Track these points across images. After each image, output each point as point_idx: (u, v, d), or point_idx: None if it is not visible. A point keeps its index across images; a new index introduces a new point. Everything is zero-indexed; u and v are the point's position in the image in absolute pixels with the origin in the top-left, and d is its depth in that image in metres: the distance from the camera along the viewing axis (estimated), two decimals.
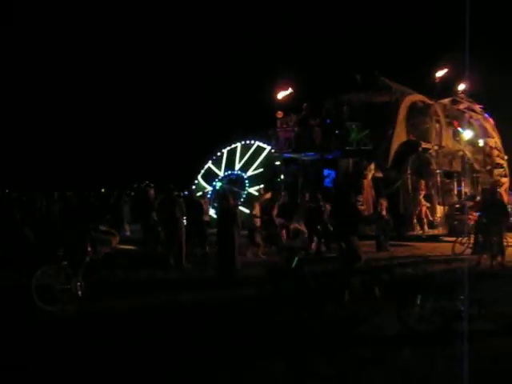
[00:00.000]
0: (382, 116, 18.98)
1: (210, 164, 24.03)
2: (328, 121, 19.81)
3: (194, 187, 22.36)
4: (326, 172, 20.07)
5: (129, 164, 33.90)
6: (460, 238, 13.58)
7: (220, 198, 13.43)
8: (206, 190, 23.00)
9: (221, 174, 23.58)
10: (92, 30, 38.79)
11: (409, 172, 19.01)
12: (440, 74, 20.76)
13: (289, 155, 20.55)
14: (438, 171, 19.72)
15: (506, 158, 23.02)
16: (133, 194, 21.41)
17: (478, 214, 13.27)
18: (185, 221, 12.30)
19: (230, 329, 6.97)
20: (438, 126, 20.16)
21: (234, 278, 10.26)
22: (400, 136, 19.08)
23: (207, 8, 35.98)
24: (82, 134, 36.06)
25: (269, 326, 7.13)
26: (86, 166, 34.16)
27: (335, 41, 32.56)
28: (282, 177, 20.84)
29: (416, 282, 9.52)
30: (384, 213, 15.41)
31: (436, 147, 19.82)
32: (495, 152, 22.68)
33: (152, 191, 14.21)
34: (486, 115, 23.18)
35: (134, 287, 9.57)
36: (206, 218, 14.54)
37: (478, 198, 15.83)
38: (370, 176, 18.62)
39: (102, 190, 26.72)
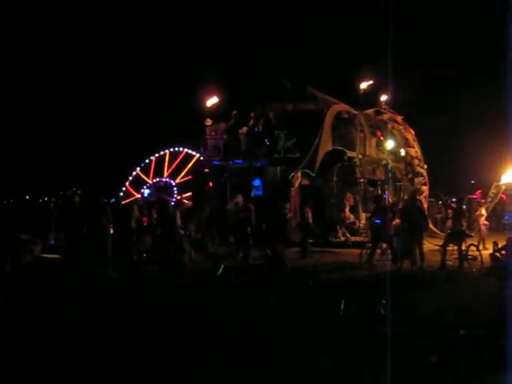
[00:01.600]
0: (309, 125, 19.38)
1: (138, 171, 23.75)
2: (256, 129, 20.00)
3: (121, 194, 22.01)
4: (254, 180, 20.21)
5: (55, 170, 32.87)
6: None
7: (161, 206, 13.31)
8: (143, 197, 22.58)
9: (149, 181, 23.34)
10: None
11: (334, 180, 19.59)
12: (364, 85, 21.43)
13: (217, 163, 20.58)
14: (362, 179, 20.35)
15: (425, 167, 23.99)
16: (59, 201, 20.77)
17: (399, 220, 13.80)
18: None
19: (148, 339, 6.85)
20: (362, 135, 20.80)
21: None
22: (326, 145, 19.50)
23: (135, 12, 35.49)
24: (4, 138, 34.63)
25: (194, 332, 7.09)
26: (8, 173, 32.84)
27: (264, 49, 32.89)
28: (211, 184, 20.84)
29: (340, 288, 9.75)
30: (310, 220, 15.74)
31: (360, 156, 20.43)
32: (416, 161, 23.60)
33: (77, 198, 13.88)
34: (407, 126, 24.08)
35: (56, 298, 9.19)
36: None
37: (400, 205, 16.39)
38: (297, 184, 18.95)
39: (27, 197, 25.80)
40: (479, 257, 13.04)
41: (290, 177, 18.91)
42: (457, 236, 13.09)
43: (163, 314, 8.02)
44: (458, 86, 39.29)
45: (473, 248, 13.32)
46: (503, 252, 13.25)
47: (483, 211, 18.44)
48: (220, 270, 9.88)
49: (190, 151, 23.12)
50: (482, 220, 18.11)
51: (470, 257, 13.10)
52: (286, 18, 35.40)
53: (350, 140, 20.39)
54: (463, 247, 12.92)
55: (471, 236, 14.58)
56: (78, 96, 34.74)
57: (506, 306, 7.72)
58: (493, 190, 20.22)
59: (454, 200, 17.38)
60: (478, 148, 35.98)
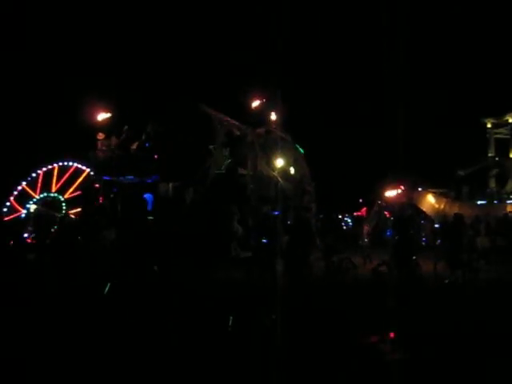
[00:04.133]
0: (202, 142, 19.85)
1: (23, 185, 23.01)
2: (147, 144, 20.17)
3: (5, 210, 21.26)
4: (146, 196, 20.27)
5: None
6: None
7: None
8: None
9: (36, 195, 22.69)
10: None
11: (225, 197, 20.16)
12: (255, 104, 22.21)
13: (108, 178, 20.47)
14: (253, 196, 21.03)
15: (313, 184, 25.14)
16: None
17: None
18: None
19: None
20: (253, 153, 21.51)
21: None
22: (218, 161, 20.03)
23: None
24: None
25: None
26: None
27: (157, 65, 33.04)
28: (101, 200, 20.66)
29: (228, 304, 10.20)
30: None
31: (252, 173, 21.12)
32: (305, 179, 24.66)
33: None
34: (296, 145, 25.15)
35: None
36: None
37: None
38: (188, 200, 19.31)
39: None
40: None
41: (182, 193, 19.22)
42: (325, 250, 14.23)
43: None
44: (346, 105, 41.61)
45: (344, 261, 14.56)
46: (383, 268, 14.44)
47: (365, 228, 19.90)
48: (106, 289, 9.96)
49: (80, 166, 22.77)
50: (367, 235, 19.60)
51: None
52: (180, 34, 35.81)
53: (242, 157, 21.05)
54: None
55: (340, 251, 15.85)
56: None
57: None
58: (375, 208, 21.70)
59: (320, 217, 18.76)
60: (366, 167, 38.22)
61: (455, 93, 43.01)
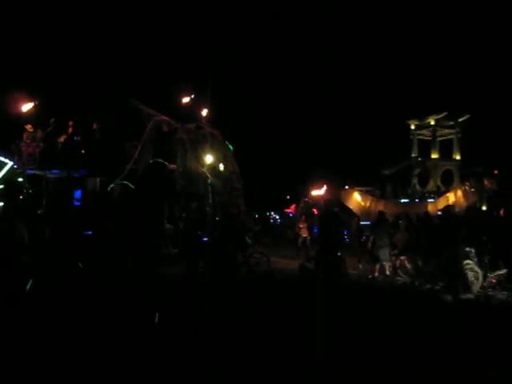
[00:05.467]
0: (131, 136, 19.71)
1: None
2: (76, 138, 19.84)
3: None
4: (76, 191, 19.97)
5: None
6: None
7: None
8: None
9: None
10: None
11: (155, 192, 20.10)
12: (185, 100, 22.23)
13: (32, 171, 19.97)
14: (182, 192, 21.07)
15: (242, 181, 25.41)
16: None
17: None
18: None
19: None
20: (183, 149, 21.53)
21: None
22: (147, 157, 19.94)
23: None
24: None
25: None
26: None
27: (88, 58, 32.43)
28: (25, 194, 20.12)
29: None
30: None
31: (181, 169, 21.15)
32: (234, 176, 24.89)
33: None
34: (226, 142, 25.34)
35: None
36: None
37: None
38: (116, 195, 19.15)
39: None
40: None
41: (109, 188, 19.02)
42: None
43: None
44: (276, 103, 42.23)
45: (256, 255, 15.61)
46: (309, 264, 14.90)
47: (301, 225, 20.49)
48: (29, 285, 9.83)
49: (2, 159, 22.06)
50: (303, 232, 20.21)
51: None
52: (111, 26, 35.27)
53: (171, 153, 21.04)
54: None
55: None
56: None
57: None
58: (301, 205, 22.23)
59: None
60: (294, 165, 38.93)
61: (382, 95, 44.65)
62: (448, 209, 15.14)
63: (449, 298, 12.03)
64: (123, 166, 19.34)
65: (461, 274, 12.68)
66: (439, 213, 18.45)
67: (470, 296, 12.32)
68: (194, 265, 13.21)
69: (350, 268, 15.05)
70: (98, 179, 19.75)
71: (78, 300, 9.91)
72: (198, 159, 22.58)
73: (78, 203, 19.50)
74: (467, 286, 12.70)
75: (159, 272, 14.44)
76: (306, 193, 24.27)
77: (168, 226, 20.51)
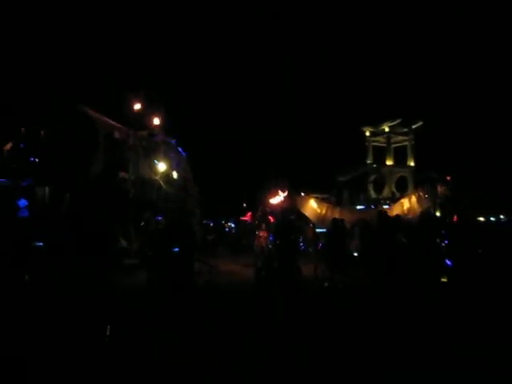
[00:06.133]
0: (82, 144, 19.28)
1: None
2: (22, 145, 19.28)
3: None
4: (20, 201, 19.35)
5: None
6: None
7: None
8: None
9: None
10: None
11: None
12: (137, 106, 21.90)
13: None
14: (134, 201, 20.74)
15: (196, 189, 25.21)
16: None
17: None
18: None
19: None
20: (135, 156, 21.22)
21: None
22: (98, 164, 19.55)
23: None
24: None
25: None
26: None
27: (35, 64, 31.65)
28: None
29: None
30: None
31: (133, 177, 20.82)
32: (188, 183, 24.69)
33: None
34: (180, 149, 25.13)
35: None
36: None
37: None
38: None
39: None
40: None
41: (61, 198, 18.57)
42: None
43: None
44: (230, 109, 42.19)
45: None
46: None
47: (260, 233, 20.22)
48: None
49: None
50: (262, 241, 19.94)
51: None
52: (58, 31, 34.57)
53: (123, 161, 20.71)
54: None
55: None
56: None
57: None
58: (259, 213, 22.11)
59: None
60: (249, 172, 38.85)
61: (337, 101, 45.10)
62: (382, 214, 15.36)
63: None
64: (74, 174, 18.93)
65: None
66: None
67: None
68: (160, 276, 12.91)
69: (305, 275, 14.99)
70: (47, 188, 19.23)
71: (18, 314, 9.56)
72: (151, 167, 22.33)
73: (24, 212, 18.90)
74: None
75: (117, 283, 14.18)
76: (263, 200, 24.23)
77: (123, 241, 20.06)
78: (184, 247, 13.33)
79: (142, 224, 19.46)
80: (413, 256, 13.11)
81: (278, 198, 22.22)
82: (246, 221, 31.06)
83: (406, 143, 39.78)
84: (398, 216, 17.07)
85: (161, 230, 14.99)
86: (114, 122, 21.56)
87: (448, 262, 13.79)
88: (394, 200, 32.97)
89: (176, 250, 13.38)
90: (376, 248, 13.45)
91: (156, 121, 23.63)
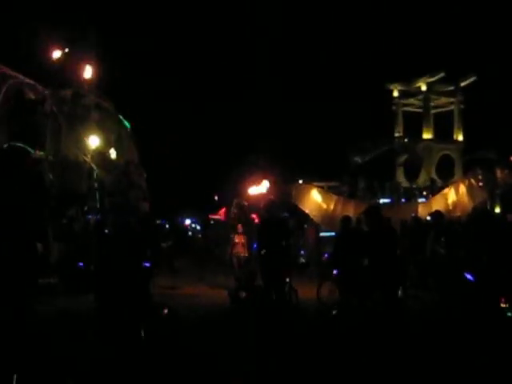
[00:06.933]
0: None
1: None
2: None
3: None
4: None
5: None
6: None
7: None
8: None
9: None
10: None
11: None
12: (57, 54, 21.68)
13: None
14: (54, 192, 20.63)
15: (145, 175, 25.04)
16: None
17: None
18: None
19: None
20: (54, 126, 21.10)
21: None
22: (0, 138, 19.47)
23: None
24: None
25: None
26: None
27: None
28: None
29: None
30: None
31: (51, 157, 20.70)
32: (132, 168, 24.57)
33: None
34: (121, 118, 24.99)
35: None
36: None
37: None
38: None
39: None
40: None
41: None
42: None
43: None
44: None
45: None
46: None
47: (236, 239, 20.10)
48: None
49: None
50: (239, 249, 19.86)
51: None
52: None
53: (36, 133, 20.59)
54: None
55: None
56: None
57: None
58: (233, 209, 22.05)
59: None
60: (223, 149, 38.83)
61: (351, 47, 44.93)
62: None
63: None
64: None
65: None
66: (428, 218, 18.67)
67: None
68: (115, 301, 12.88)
69: (303, 298, 15.05)
70: None
71: None
72: (78, 142, 22.16)
73: None
74: None
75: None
76: (240, 191, 24.20)
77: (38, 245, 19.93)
78: (139, 264, 13.26)
79: (65, 222, 19.43)
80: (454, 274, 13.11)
81: (260, 188, 22.12)
82: (218, 220, 31.01)
83: (451, 108, 39.91)
84: (437, 214, 17.07)
85: (107, 235, 14.97)
86: (22, 77, 21.40)
87: None
88: (433, 190, 33.10)
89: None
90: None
91: (86, 74, 23.38)
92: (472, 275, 11.95)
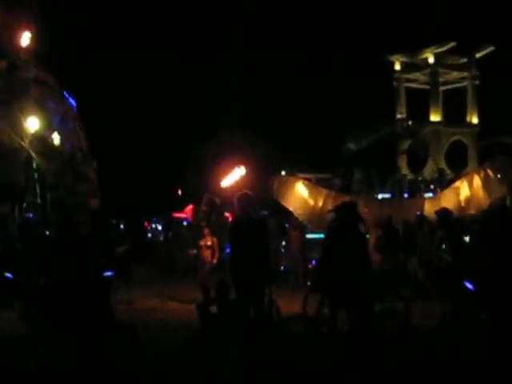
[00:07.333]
0: None
1: None
2: None
3: None
4: None
5: None
6: None
7: None
8: None
9: None
10: None
11: None
12: None
13: None
14: None
15: (95, 165, 25.07)
16: None
17: None
18: None
19: None
20: None
21: None
22: None
23: None
24: None
25: None
26: None
27: None
28: None
29: None
30: None
31: None
32: (80, 156, 24.59)
33: None
34: (67, 95, 25.01)
35: None
36: None
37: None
38: None
39: None
40: None
41: None
42: None
43: None
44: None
45: None
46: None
47: (208, 241, 20.13)
48: None
49: None
50: (206, 254, 19.93)
51: None
52: None
53: None
54: None
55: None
56: None
57: None
58: (203, 206, 22.14)
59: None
60: (188, 134, 38.92)
61: (345, 13, 45.03)
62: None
63: None
64: None
65: None
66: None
67: None
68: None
69: (286, 313, 15.13)
70: None
71: None
72: (13, 124, 22.15)
73: None
74: None
75: None
76: (211, 184, 24.29)
77: None
78: (96, 275, 13.23)
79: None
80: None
81: (235, 179, 22.17)
82: (183, 219, 31.08)
83: (464, 84, 40.10)
84: (444, 212, 17.14)
85: (48, 239, 15.04)
86: None
87: None
88: (442, 183, 33.28)
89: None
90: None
91: (24, 42, 23.33)
92: (472, 284, 12.05)
